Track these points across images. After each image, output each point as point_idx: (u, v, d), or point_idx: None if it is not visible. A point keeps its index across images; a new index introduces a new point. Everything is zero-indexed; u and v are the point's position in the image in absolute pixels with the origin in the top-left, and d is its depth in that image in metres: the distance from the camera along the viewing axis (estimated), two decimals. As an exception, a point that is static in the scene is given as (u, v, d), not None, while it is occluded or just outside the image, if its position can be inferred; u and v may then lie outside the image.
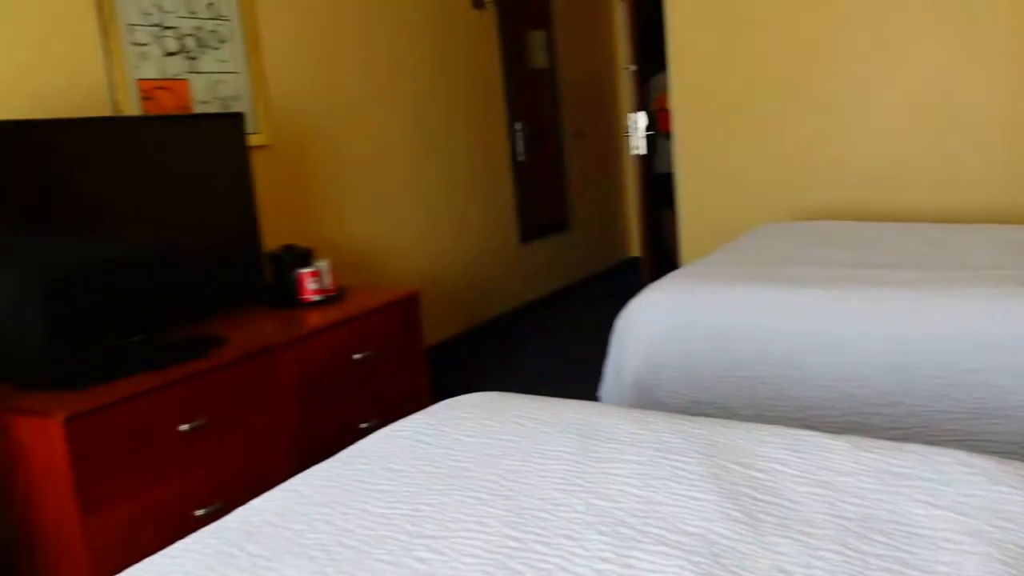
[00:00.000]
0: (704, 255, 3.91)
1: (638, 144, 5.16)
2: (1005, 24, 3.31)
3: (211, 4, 2.92)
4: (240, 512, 1.15)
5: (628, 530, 1.02)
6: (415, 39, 4.01)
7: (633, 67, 5.09)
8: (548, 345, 4.39)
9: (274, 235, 3.14)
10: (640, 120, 5.17)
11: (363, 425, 2.89)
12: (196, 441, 2.32)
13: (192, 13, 2.85)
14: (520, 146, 4.90)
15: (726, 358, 2.18)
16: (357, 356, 2.86)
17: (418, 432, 1.34)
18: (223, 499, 2.38)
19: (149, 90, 2.72)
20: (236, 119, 2.61)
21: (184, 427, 2.28)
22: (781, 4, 3.70)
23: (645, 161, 5.21)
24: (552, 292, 5.24)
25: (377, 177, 3.80)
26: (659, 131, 5.22)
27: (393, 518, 1.08)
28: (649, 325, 2.28)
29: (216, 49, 2.94)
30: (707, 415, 2.13)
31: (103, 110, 2.61)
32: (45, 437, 2.04)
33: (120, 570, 2.12)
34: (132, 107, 2.66)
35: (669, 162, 5.12)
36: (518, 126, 4.88)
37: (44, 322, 2.15)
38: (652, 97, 5.23)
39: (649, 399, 2.23)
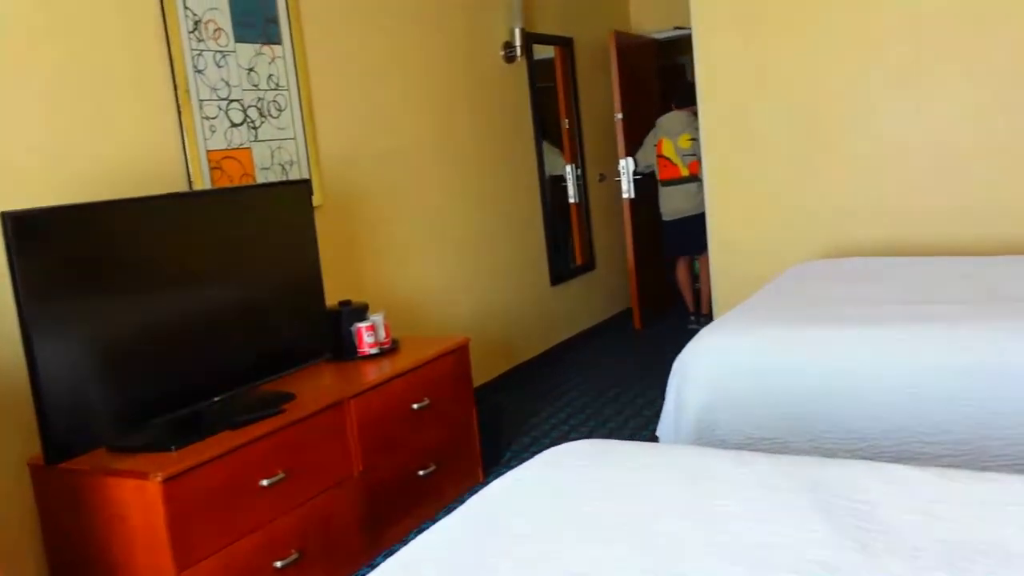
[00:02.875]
0: (736, 294, 4.03)
1: (627, 188, 5.36)
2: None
3: (271, 75, 3.08)
4: (398, 558, 1.25)
5: (756, 561, 1.13)
6: (450, 95, 4.18)
7: (620, 115, 5.36)
8: (581, 384, 4.50)
9: (327, 292, 3.27)
10: (629, 164, 5.37)
11: (421, 472, 3.00)
12: (275, 494, 2.42)
13: (254, 85, 3.01)
14: (549, 192, 5.09)
15: (783, 396, 2.29)
16: (416, 406, 2.98)
17: (541, 479, 1.44)
18: (299, 548, 2.48)
19: (217, 160, 2.87)
20: (304, 185, 2.76)
21: (264, 482, 2.39)
22: (807, 50, 3.86)
23: (634, 206, 5.41)
24: (581, 332, 5.36)
25: (419, 231, 3.94)
26: (658, 178, 5.35)
27: (543, 558, 1.17)
28: (707, 367, 2.39)
29: (276, 118, 3.10)
30: (766, 451, 2.24)
31: (178, 182, 2.75)
32: (144, 497, 2.15)
33: (213, 623, 2.22)
34: (202, 177, 2.81)
35: (675, 209, 5.28)
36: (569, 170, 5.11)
37: (120, 390, 2.27)
38: (653, 143, 5.36)
39: (710, 437, 2.34)
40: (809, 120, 3.90)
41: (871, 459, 2.16)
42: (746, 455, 1.47)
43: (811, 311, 2.54)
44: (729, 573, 1.11)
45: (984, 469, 2.08)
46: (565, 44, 5.25)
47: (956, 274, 2.91)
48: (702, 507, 1.30)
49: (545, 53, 5.17)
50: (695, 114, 5.18)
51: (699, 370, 2.39)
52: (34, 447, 2.37)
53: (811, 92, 3.88)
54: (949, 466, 2.06)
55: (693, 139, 5.11)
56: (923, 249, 3.75)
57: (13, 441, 2.34)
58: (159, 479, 2.11)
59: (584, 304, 5.44)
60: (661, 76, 6.02)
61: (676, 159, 5.21)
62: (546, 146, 5.23)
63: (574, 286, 5.31)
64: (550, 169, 5.29)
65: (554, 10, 5.16)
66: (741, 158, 4.08)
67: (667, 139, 5.24)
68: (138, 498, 2.16)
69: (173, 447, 2.27)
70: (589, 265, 5.52)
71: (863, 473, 1.36)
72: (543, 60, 5.14)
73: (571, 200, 5.42)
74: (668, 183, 5.29)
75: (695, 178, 5.17)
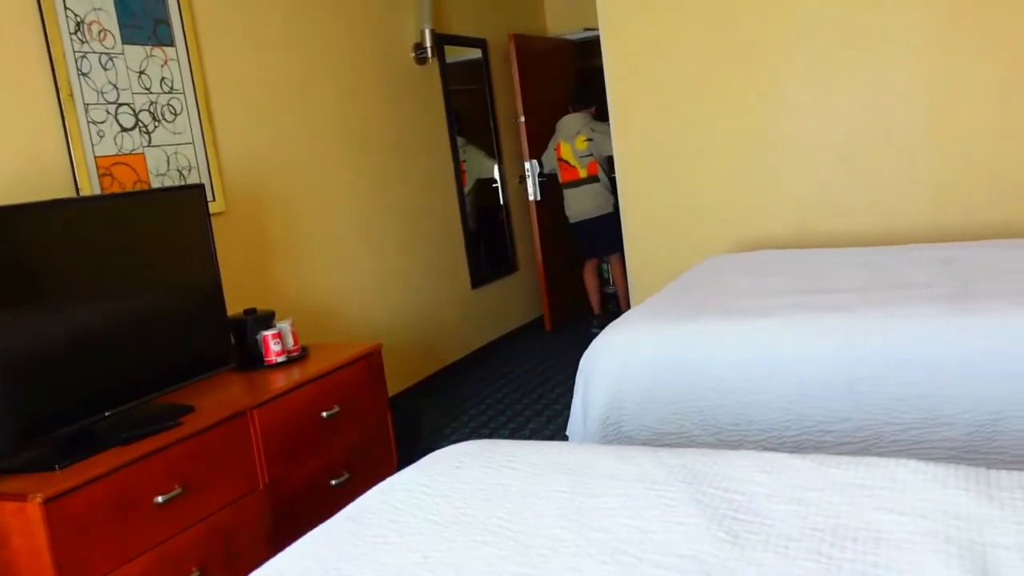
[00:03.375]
0: (652, 292, 4.06)
1: (533, 191, 5.40)
2: (924, 56, 3.58)
3: (164, 78, 2.98)
4: (261, 574, 1.20)
5: (627, 557, 1.11)
6: (360, 97, 4.12)
7: (522, 118, 5.40)
8: (502, 388, 4.47)
9: (233, 300, 3.17)
10: (534, 167, 5.41)
11: (333, 481, 2.92)
12: (172, 510, 2.33)
13: (146, 88, 2.90)
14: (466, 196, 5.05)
15: (686, 390, 2.30)
16: (325, 413, 2.90)
17: (415, 484, 1.41)
18: (200, 566, 2.39)
19: (107, 167, 2.75)
20: (198, 190, 2.66)
21: (160, 499, 2.29)
22: (714, 45, 3.92)
23: (542, 207, 5.43)
24: (502, 336, 5.34)
25: (329, 235, 3.87)
26: (560, 181, 5.36)
27: (407, 567, 1.15)
28: (610, 364, 2.39)
29: (171, 122, 2.99)
30: (672, 445, 2.24)
31: (64, 189, 2.63)
32: (24, 520, 2.03)
33: (105, 649, 2.11)
34: (91, 184, 2.69)
35: (578, 211, 5.30)
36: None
37: (11, 406, 2.15)
38: (553, 147, 5.36)
39: (616, 434, 2.33)
40: (719, 116, 3.96)
41: (775, 450, 2.18)
42: (631, 450, 1.46)
43: (712, 304, 2.56)
44: (599, 572, 1.09)
45: (881, 454, 2.12)
46: (478, 45, 5.23)
47: (855, 263, 2.98)
48: (579, 505, 1.28)
49: (465, 55, 5.15)
50: (593, 115, 5.23)
51: (602, 367, 2.38)
52: (-95, 473, 2.23)
53: (719, 88, 3.95)
54: (850, 454, 2.09)
55: (589, 139, 5.14)
56: (829, 241, 3.84)
57: None
58: (38, 500, 2.00)
59: (506, 306, 5.42)
60: (580, 78, 6.07)
61: (574, 160, 5.22)
62: (471, 149, 5.20)
63: (496, 288, 5.29)
64: (478, 172, 5.26)
65: (467, 12, 5.15)
66: (652, 156, 4.12)
67: (564, 142, 5.25)
68: (19, 521, 2.04)
69: (57, 466, 2.15)
70: (511, 267, 5.51)
71: (742, 463, 1.36)
72: (463, 62, 5.12)
73: (502, 202, 5.41)
74: (568, 185, 5.30)
75: (594, 179, 5.19)
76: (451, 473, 1.43)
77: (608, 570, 1.09)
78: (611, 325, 2.54)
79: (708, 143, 4.01)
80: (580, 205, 5.26)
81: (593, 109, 5.25)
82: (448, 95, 4.84)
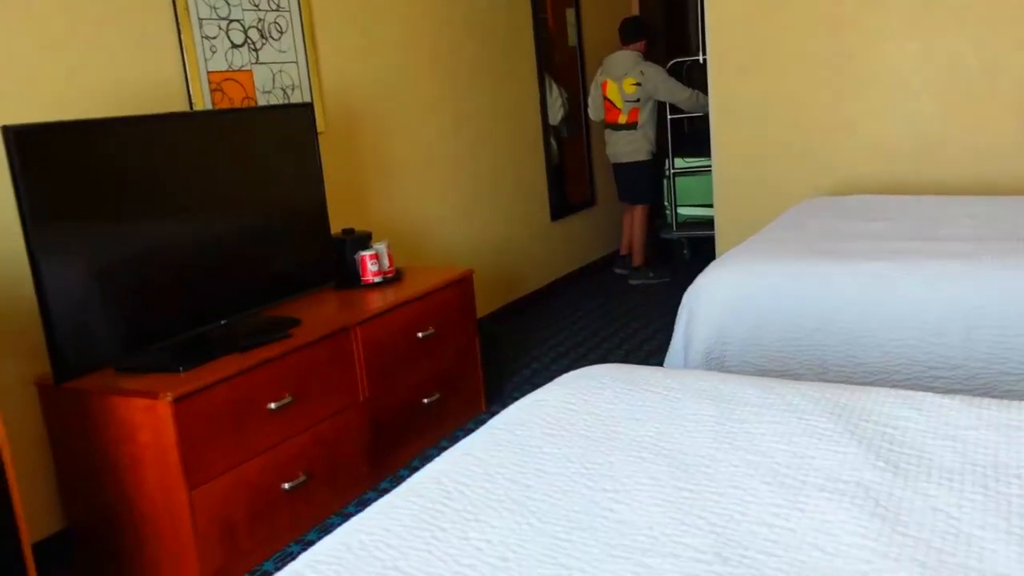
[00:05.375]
0: (739, 232, 4.02)
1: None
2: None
3: (272, -5, 2.99)
4: (427, 473, 1.25)
5: (790, 480, 1.14)
6: (453, 23, 4.08)
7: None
8: (580, 319, 4.51)
9: (331, 219, 3.23)
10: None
11: (425, 400, 3.01)
12: (283, 417, 2.43)
13: (255, 5, 2.92)
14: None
15: (793, 328, 2.29)
16: (421, 334, 2.97)
17: (560, 401, 1.45)
18: (306, 471, 2.51)
19: (218, 82, 2.80)
20: (307, 109, 2.70)
21: (272, 405, 2.39)
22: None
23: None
24: (580, 267, 5.36)
25: (420, 160, 3.89)
26: (604, 121, 5.16)
27: (570, 476, 1.19)
28: (715, 299, 2.39)
29: (277, 40, 3.01)
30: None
31: (179, 104, 2.69)
32: (154, 417, 2.15)
33: (221, 543, 2.24)
34: (203, 99, 2.74)
35: (613, 153, 5.08)
36: (561, 100, 4.98)
37: (139, 310, 2.25)
38: (598, 83, 5.12)
39: (718, 369, 2.35)
40: (814, 59, 3.83)
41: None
42: (770, 381, 1.47)
43: (821, 245, 2.53)
44: (762, 493, 1.12)
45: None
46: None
47: (963, 212, 2.90)
48: (730, 429, 1.30)
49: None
50: (642, 53, 4.98)
51: (708, 304, 2.38)
52: (41, 366, 2.37)
53: (815, 32, 3.81)
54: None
55: (637, 83, 4.91)
56: (927, 188, 3.73)
57: (20, 360, 2.33)
58: (169, 399, 2.11)
59: (584, 240, 5.41)
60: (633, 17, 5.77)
61: (620, 103, 4.98)
62: (557, 85, 5.10)
63: (574, 221, 5.28)
64: (564, 107, 5.17)
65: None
66: (745, 94, 4.01)
67: (612, 81, 4.99)
68: (148, 418, 2.16)
69: (181, 368, 2.26)
70: (590, 201, 5.48)
71: (890, 400, 1.36)
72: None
73: (584, 137, 5.32)
74: (609, 126, 5.10)
75: (633, 126, 4.99)
76: (595, 392, 1.47)
77: (772, 491, 1.12)
78: (716, 262, 2.53)
79: (802, 85, 3.88)
80: (616, 147, 5.09)
81: (643, 45, 4.98)
82: (537, 19, 4.76)
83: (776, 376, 2.25)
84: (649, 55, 5.06)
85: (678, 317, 2.48)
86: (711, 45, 4.04)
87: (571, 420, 1.36)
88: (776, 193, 3.97)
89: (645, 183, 5.13)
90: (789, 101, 3.92)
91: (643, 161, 5.04)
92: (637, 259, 5.19)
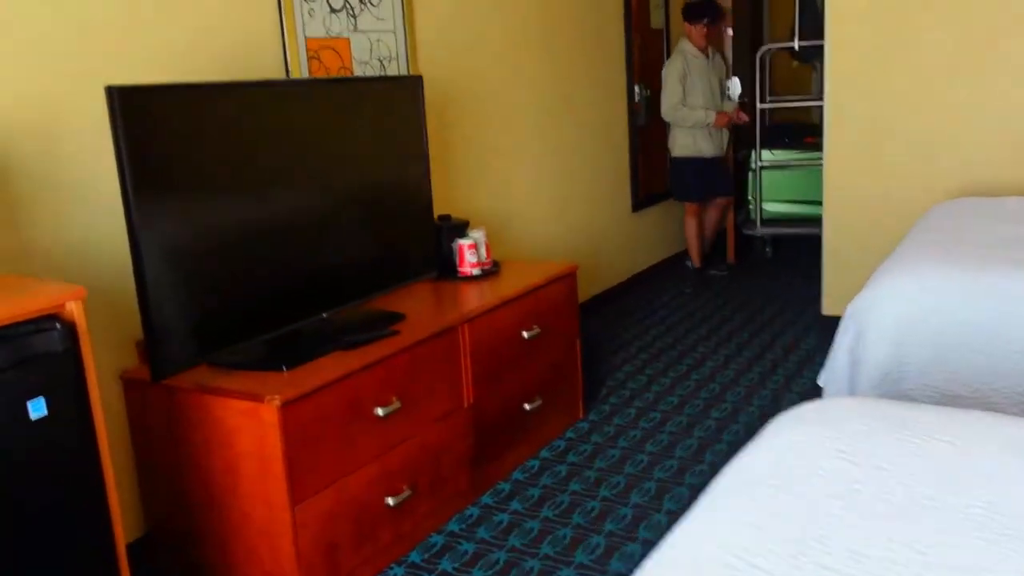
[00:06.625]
0: (852, 233, 3.70)
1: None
2: None
3: (373, -43, 2.72)
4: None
5: None
6: (550, 7, 3.80)
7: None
8: (664, 315, 4.22)
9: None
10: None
11: (527, 406, 2.73)
12: (389, 425, 2.17)
13: (356, -34, 2.66)
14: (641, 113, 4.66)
15: (984, 350, 1.98)
16: (526, 334, 2.70)
17: (831, 451, 1.12)
18: (411, 484, 2.24)
19: (315, 49, 2.54)
20: (416, 82, 2.43)
21: (380, 411, 2.13)
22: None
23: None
24: (661, 260, 5.06)
25: (508, 146, 3.61)
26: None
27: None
28: (890, 313, 2.08)
29: (375, 6, 2.75)
30: (966, 408, 1.94)
31: (275, 71, 2.43)
32: (257, 422, 1.89)
33: (323, 566, 1.98)
34: (300, 67, 2.48)
35: (681, 146, 4.65)
36: (638, 90, 4.63)
37: (236, 298, 2.00)
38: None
39: (895, 393, 2.04)
40: (940, 55, 3.50)
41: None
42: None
43: (1001, 253, 2.21)
44: None
45: None
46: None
47: None
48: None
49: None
50: (687, 38, 4.54)
51: (880, 317, 2.08)
52: (125, 359, 2.12)
53: (944, 26, 3.48)
54: None
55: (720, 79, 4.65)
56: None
57: (103, 351, 2.07)
58: (277, 403, 1.85)
59: (663, 232, 5.11)
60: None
61: None
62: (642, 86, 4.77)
63: (654, 213, 4.98)
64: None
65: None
66: (864, 88, 3.68)
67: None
68: (250, 422, 1.90)
69: (284, 366, 2.00)
70: (668, 192, 5.16)
71: None
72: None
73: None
74: None
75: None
76: (865, 439, 1.16)
77: None
78: (883, 270, 2.23)
79: (926, 80, 3.56)
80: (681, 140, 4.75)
81: (705, 22, 4.54)
82: (628, 14, 4.45)
83: (966, 403, 1.94)
84: (718, 41, 4.70)
85: (841, 330, 2.18)
86: (831, 35, 3.70)
87: (856, 478, 1.05)
88: (895, 195, 3.65)
89: (674, 179, 4.79)
90: (913, 97, 3.59)
91: (675, 157, 4.70)
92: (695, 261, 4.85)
